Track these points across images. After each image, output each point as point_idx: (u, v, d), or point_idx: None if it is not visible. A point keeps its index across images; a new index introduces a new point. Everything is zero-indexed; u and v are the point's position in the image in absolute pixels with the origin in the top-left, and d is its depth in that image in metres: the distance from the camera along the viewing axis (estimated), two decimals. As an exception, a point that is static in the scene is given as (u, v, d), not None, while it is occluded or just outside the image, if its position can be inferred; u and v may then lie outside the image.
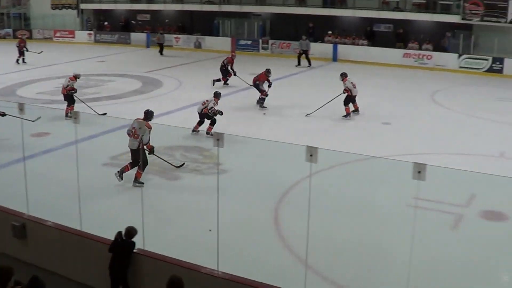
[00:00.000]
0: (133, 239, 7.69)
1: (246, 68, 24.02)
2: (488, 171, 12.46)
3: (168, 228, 9.88)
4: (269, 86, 18.96)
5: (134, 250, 7.75)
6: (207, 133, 15.16)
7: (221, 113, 14.94)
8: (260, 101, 18.73)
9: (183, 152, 14.03)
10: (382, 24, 31.57)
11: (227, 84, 22.66)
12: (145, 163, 11.64)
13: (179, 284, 6.24)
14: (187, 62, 30.11)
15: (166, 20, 37.39)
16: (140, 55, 33.37)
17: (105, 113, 17.45)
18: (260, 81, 18.84)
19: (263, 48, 32.74)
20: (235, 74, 22.22)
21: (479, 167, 13.02)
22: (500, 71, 26.90)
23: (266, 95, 18.65)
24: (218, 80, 22.48)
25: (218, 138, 7.31)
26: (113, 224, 8.31)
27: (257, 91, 18.84)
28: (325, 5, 31.74)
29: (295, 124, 17.15)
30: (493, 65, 27.17)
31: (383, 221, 10.35)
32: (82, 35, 39.06)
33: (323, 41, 31.08)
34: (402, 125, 17.12)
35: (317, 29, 31.08)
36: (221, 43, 33.69)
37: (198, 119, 15.35)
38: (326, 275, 8.45)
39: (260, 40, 33.21)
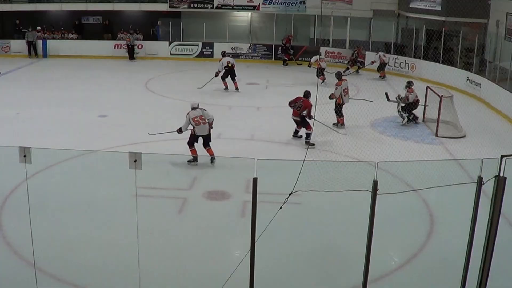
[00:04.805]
0: None
1: None
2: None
3: None
4: None
5: None
6: None
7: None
8: None
9: None
10: (90, 16, 31.37)
11: None
12: None
13: None
14: None
15: None
16: None
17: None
18: None
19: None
20: None
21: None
22: (210, 55, 28.67)
23: None
24: None
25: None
26: None
27: None
28: (31, 0, 30.36)
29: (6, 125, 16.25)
30: (203, 50, 28.88)
31: (109, 214, 10.42)
32: None
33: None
34: (119, 116, 17.35)
35: (25, 25, 29.48)
36: None
37: None
38: (60, 277, 8.33)
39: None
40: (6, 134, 14.87)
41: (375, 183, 6.76)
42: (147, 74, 24.24)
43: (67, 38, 29.89)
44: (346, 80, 17.01)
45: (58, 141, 14.01)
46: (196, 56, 28.79)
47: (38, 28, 28.95)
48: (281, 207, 7.10)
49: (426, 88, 17.33)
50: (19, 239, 9.08)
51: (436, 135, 15.90)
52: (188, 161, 13.06)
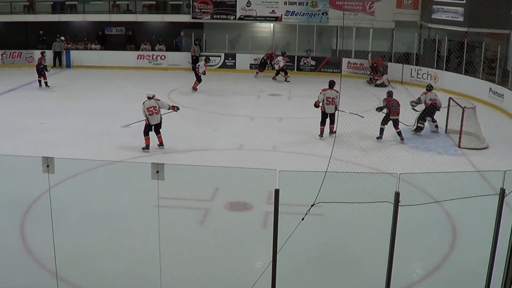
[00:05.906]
0: None
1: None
2: (229, 163, 13.42)
3: None
4: None
5: None
6: None
7: None
8: None
9: None
10: (113, 27, 31.68)
11: None
12: None
13: None
14: None
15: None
16: None
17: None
18: None
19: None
20: None
21: (220, 161, 13.93)
22: (233, 66, 28.80)
23: None
24: None
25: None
26: None
27: None
28: (54, 11, 30.75)
29: (29, 135, 16.37)
30: (226, 61, 28.97)
31: (131, 225, 10.45)
32: None
33: (55, 48, 30.06)
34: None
35: (48, 36, 29.82)
36: None
37: None
38: (81, 286, 8.39)
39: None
40: (29, 144, 15.05)
41: (397, 194, 6.75)
42: (170, 85, 24.37)
43: (90, 49, 30.19)
44: (335, 90, 16.17)
45: (81, 151, 14.17)
46: (219, 67, 28.89)
47: (62, 38, 29.28)
48: (303, 219, 7.10)
49: (449, 99, 17.22)
50: (41, 249, 9.17)
51: (459, 147, 15.79)
52: (142, 148, 14.74)
